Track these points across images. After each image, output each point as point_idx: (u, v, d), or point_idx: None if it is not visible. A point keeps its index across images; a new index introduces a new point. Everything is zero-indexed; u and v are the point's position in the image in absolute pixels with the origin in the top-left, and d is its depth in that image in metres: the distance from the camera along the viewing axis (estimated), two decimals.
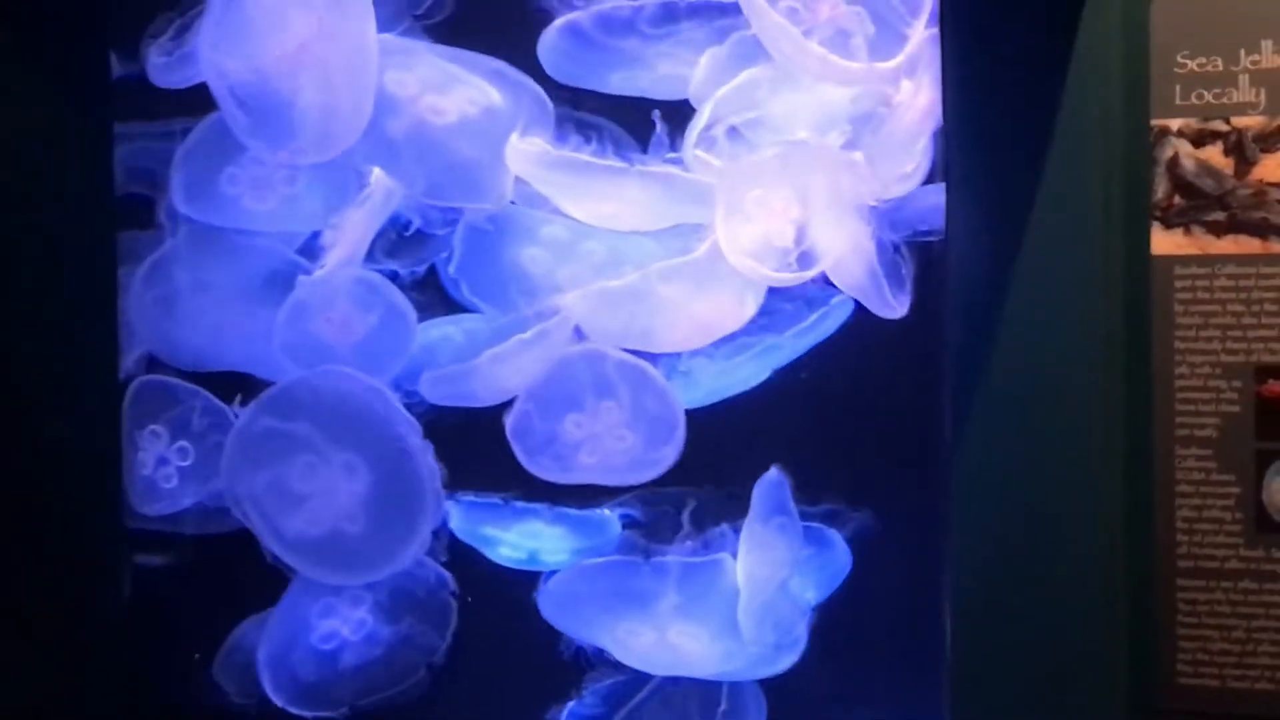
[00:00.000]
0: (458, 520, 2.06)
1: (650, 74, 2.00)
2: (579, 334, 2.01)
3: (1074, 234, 1.97)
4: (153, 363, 2.13)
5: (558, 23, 1.98)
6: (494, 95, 2.00)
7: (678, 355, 2.02)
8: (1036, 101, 1.98)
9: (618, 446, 2.01)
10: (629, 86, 2.01)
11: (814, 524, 2.04)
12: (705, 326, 2.01)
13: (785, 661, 2.04)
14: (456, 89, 2.01)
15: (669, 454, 2.00)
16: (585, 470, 2.01)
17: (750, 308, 2.00)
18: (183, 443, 2.08)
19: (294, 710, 2.10)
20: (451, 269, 2.07)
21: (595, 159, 1.97)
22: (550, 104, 2.00)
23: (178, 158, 2.09)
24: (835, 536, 2.04)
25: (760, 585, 2.01)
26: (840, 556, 2.04)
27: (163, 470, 2.08)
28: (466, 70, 2.02)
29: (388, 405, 2.02)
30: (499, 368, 2.00)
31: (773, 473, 2.02)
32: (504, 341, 1.99)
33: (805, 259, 1.96)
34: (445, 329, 2.08)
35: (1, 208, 2.18)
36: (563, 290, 2.01)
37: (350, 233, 2.02)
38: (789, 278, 1.97)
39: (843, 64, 1.91)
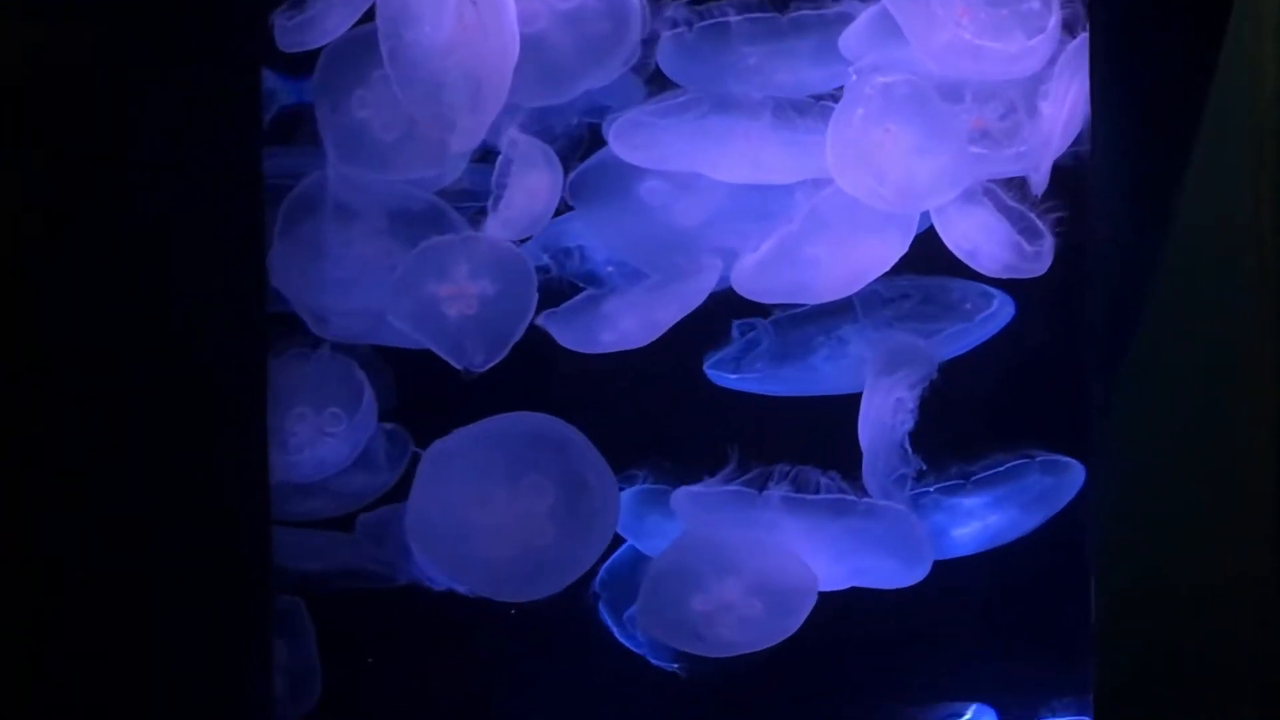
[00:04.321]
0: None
1: (766, 80, 2.02)
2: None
3: (1224, 232, 1.95)
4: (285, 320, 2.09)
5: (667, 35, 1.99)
6: None
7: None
8: (1185, 102, 1.97)
9: (750, 615, 2.04)
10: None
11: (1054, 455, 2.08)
12: (858, 271, 2.02)
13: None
14: None
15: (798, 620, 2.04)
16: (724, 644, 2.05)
17: (899, 245, 2.01)
18: (333, 409, 2.06)
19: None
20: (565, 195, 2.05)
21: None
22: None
23: (319, 75, 2.02)
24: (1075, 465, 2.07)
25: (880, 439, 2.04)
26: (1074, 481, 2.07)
27: (324, 441, 2.06)
28: None
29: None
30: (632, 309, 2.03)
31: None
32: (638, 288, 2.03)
33: (918, 192, 1.98)
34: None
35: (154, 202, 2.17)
36: (680, 223, 2.02)
37: (518, 197, 2.01)
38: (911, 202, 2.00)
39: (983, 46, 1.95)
